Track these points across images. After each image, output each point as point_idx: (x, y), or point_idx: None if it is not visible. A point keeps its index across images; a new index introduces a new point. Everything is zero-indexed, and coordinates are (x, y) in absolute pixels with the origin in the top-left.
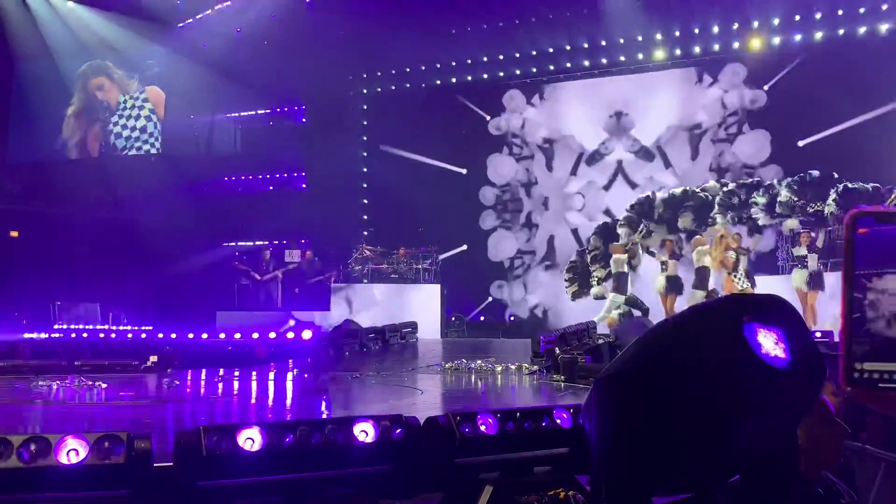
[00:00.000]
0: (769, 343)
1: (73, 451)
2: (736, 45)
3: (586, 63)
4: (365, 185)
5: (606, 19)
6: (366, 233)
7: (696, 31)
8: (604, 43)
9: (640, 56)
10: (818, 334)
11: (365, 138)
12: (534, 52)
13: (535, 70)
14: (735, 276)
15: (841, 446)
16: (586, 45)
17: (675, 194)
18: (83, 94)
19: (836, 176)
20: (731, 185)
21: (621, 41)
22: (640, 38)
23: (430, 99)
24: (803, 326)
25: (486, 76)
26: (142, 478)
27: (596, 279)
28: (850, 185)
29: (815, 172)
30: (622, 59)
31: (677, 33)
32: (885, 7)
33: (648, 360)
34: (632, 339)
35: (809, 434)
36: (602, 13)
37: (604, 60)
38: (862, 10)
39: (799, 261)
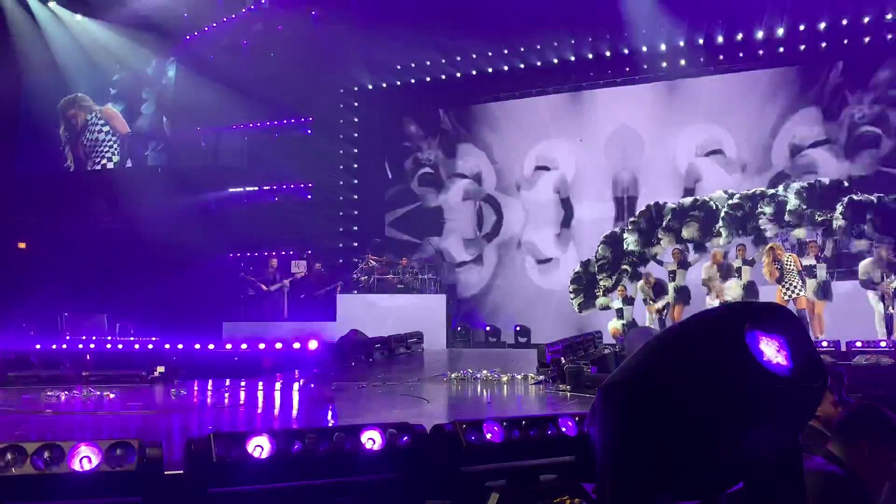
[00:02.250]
0: (771, 351)
1: (85, 458)
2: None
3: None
4: (369, 196)
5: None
6: (377, 240)
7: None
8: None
9: (665, 64)
10: (825, 343)
11: (369, 148)
12: (555, 60)
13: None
14: (783, 289)
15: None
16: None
17: (684, 204)
18: (64, 122)
19: (846, 184)
20: (737, 197)
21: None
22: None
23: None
24: (805, 335)
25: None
26: (153, 485)
27: (602, 289)
28: (854, 198)
29: (825, 180)
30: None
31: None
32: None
33: (652, 369)
34: (637, 348)
35: (876, 452)
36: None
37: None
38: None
39: (807, 270)
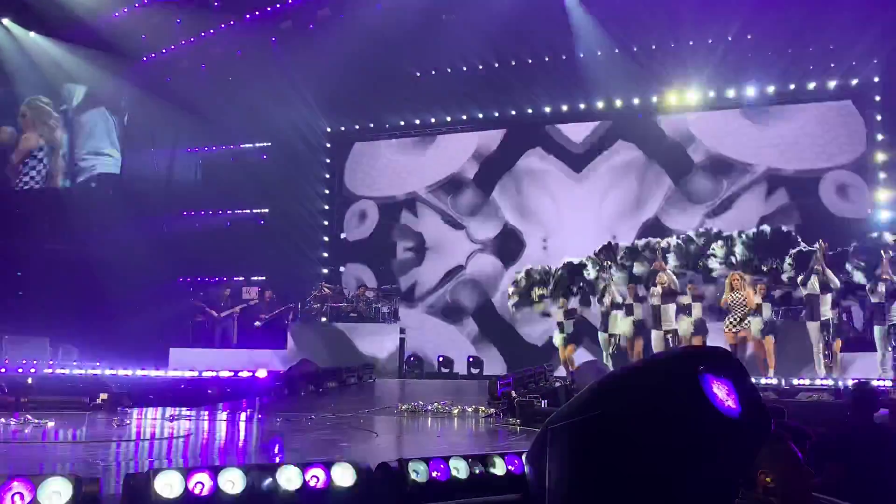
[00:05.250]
0: (722, 394)
1: (17, 494)
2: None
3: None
4: (325, 223)
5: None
6: (325, 271)
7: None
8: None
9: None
10: (768, 381)
11: (327, 175)
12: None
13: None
14: (727, 321)
15: (810, 489)
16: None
17: (638, 245)
18: (9, 138)
19: (794, 235)
20: (691, 234)
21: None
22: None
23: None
24: (748, 379)
25: (449, 119)
26: None
27: (537, 295)
28: (803, 250)
29: (770, 229)
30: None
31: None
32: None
33: (605, 408)
34: (588, 381)
35: (781, 479)
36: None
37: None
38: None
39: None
